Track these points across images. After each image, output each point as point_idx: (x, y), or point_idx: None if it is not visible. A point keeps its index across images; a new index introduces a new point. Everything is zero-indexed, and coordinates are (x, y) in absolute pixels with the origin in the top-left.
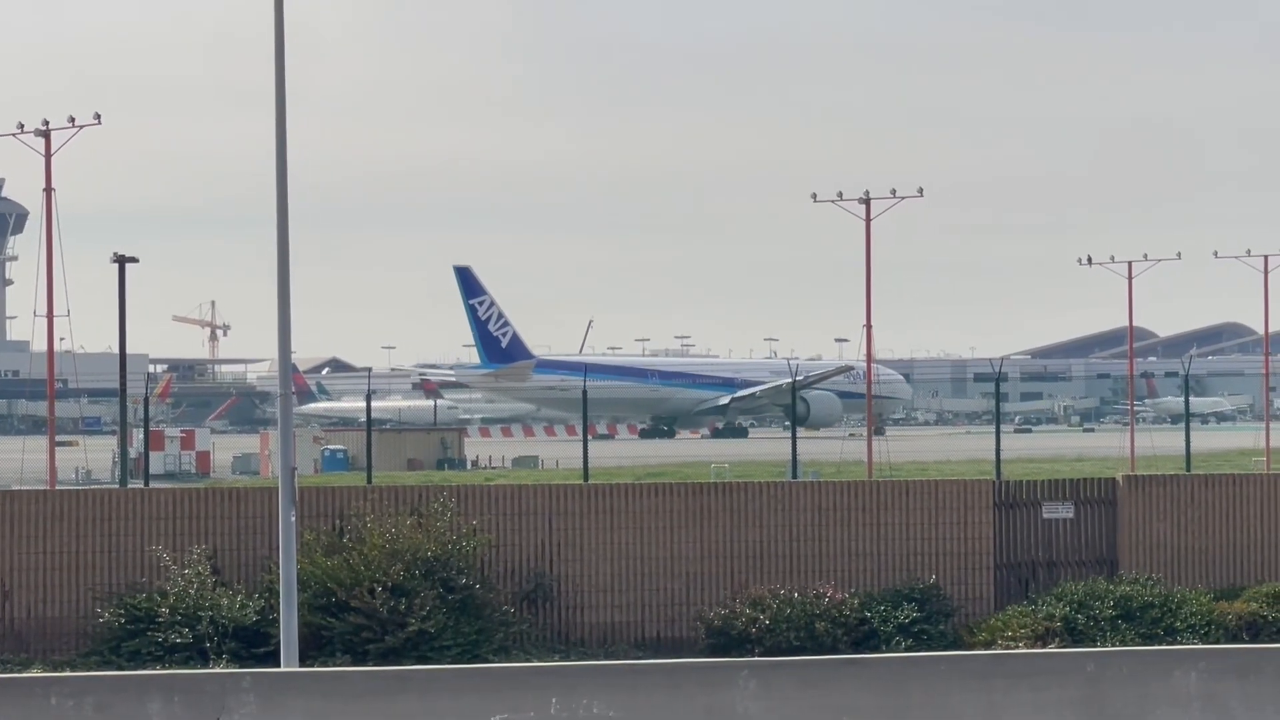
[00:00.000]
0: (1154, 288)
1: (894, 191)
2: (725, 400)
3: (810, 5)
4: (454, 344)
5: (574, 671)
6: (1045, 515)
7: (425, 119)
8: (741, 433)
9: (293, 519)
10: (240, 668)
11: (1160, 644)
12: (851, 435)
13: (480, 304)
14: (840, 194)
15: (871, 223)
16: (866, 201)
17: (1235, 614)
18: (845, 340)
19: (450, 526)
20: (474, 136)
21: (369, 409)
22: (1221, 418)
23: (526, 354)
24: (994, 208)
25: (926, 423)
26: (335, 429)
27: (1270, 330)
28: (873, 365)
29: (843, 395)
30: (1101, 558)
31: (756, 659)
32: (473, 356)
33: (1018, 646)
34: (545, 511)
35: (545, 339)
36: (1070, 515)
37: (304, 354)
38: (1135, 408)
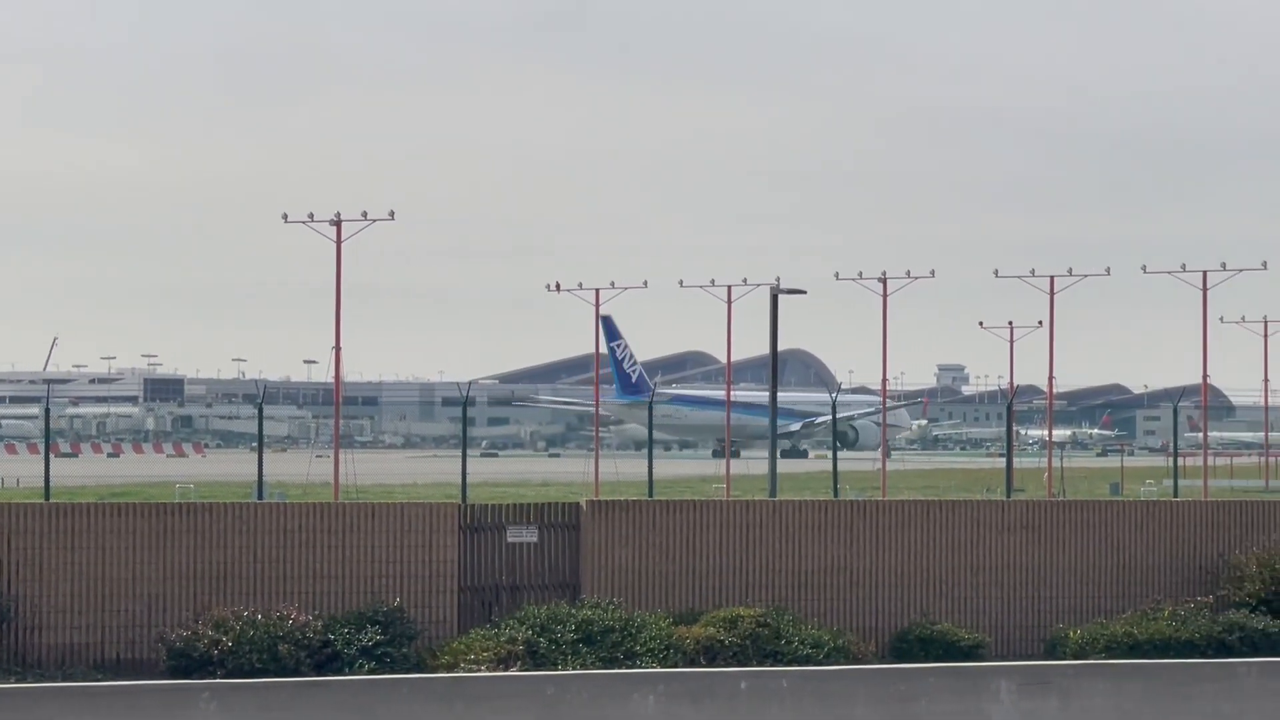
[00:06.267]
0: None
1: (365, 214)
2: (796, 427)
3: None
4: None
5: (31, 694)
6: (510, 539)
7: None
8: (802, 454)
9: None
10: None
11: (620, 667)
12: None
13: (618, 346)
14: (311, 215)
15: (342, 245)
16: (337, 223)
17: (693, 638)
18: (314, 362)
19: None
20: None
21: None
22: (684, 444)
23: (649, 387)
24: (465, 233)
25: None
26: None
27: (733, 359)
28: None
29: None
30: (565, 581)
31: (217, 681)
32: None
33: (480, 669)
34: (4, 530)
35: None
36: (534, 539)
37: None
38: (601, 434)
